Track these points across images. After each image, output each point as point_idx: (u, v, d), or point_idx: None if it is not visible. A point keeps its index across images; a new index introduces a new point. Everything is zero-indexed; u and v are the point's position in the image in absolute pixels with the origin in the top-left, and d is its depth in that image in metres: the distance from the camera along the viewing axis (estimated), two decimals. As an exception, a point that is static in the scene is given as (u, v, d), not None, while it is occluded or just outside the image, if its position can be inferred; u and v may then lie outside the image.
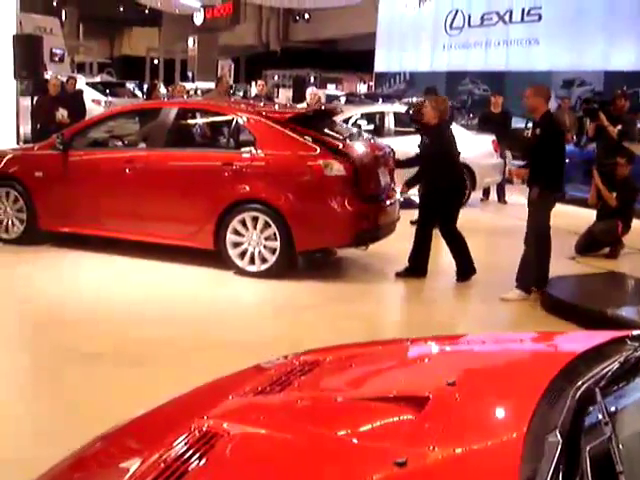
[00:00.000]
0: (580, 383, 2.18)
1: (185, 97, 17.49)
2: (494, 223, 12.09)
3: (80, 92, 16.74)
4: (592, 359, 2.43)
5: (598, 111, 10.32)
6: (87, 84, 21.09)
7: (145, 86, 25.47)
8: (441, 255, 8.41)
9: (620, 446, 1.79)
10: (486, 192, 13.50)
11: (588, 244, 9.41)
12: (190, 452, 2.10)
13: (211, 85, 22.84)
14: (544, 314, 7.06)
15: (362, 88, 34.19)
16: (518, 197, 12.34)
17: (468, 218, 11.91)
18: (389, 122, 11.98)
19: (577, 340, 3.03)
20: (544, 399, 2.12)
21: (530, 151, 7.37)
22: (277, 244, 7.62)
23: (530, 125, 12.01)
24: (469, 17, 27.84)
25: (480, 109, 22.45)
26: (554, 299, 7.23)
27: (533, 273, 7.42)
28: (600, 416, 1.94)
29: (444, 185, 7.79)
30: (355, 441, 2.09)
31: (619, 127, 10.13)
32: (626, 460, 1.73)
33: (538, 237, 7.38)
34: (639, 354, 2.41)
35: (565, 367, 2.36)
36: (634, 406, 2.13)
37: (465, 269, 8.02)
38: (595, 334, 3.20)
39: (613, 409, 2.02)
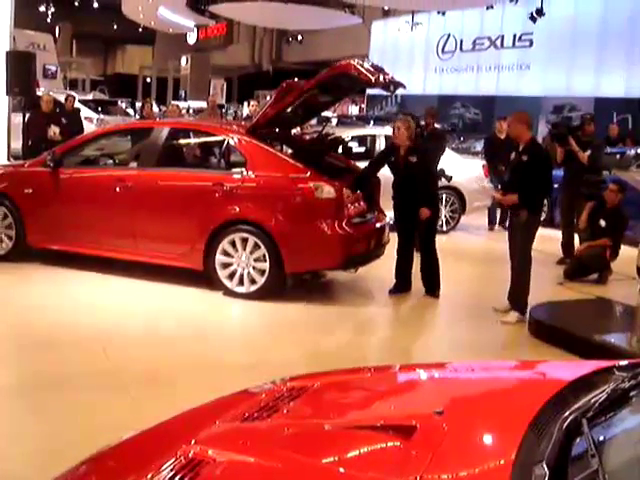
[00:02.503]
0: (567, 414, 2.18)
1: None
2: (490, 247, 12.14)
3: (78, 110, 16.76)
4: (579, 389, 2.43)
5: (567, 136, 10.37)
6: (79, 101, 21.08)
7: (138, 104, 25.48)
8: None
9: (607, 478, 1.79)
10: (491, 220, 13.21)
11: (576, 270, 9.44)
12: (176, 479, 2.09)
13: (204, 104, 22.89)
14: (531, 339, 7.07)
15: (354, 110, 34.30)
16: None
17: (459, 242, 11.99)
18: (380, 145, 12.00)
19: (564, 369, 3.03)
20: (531, 430, 2.12)
21: (517, 176, 7.40)
22: (266, 265, 7.61)
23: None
24: (461, 42, 28.07)
25: (471, 133, 22.65)
26: (541, 324, 7.23)
27: (521, 296, 7.50)
28: (587, 448, 1.94)
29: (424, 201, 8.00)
30: (342, 470, 2.09)
31: (589, 152, 10.17)
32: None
33: (525, 260, 7.47)
34: (626, 385, 2.42)
35: (552, 397, 2.36)
36: (621, 437, 2.13)
37: (435, 285, 8.21)
38: (582, 363, 3.21)
39: (600, 440, 2.02)
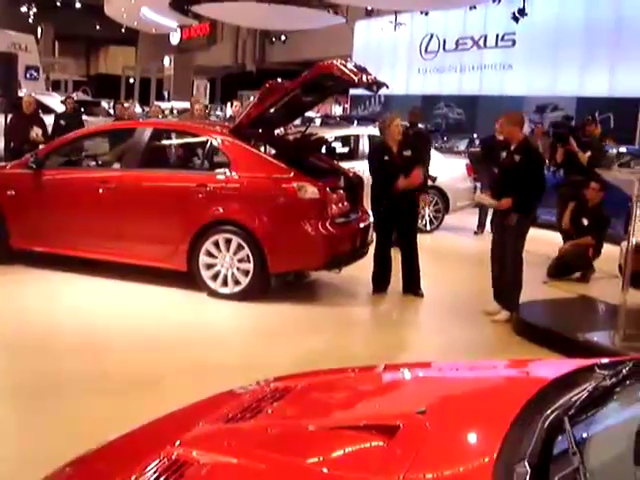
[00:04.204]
0: (549, 412, 2.20)
1: (160, 117, 17.51)
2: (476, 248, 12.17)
3: (79, 111, 16.65)
4: (561, 388, 2.45)
5: (569, 136, 10.42)
6: (62, 102, 20.98)
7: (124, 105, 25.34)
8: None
9: (588, 476, 1.80)
10: (480, 223, 13.02)
11: (560, 268, 9.49)
12: (160, 480, 2.09)
13: (187, 105, 22.82)
14: (516, 338, 7.11)
15: (337, 110, 34.31)
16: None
17: (444, 242, 12.03)
18: (363, 145, 12.02)
19: (546, 368, 3.05)
20: (513, 428, 2.13)
21: (510, 177, 7.41)
22: (250, 266, 7.61)
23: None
24: (444, 42, 28.15)
25: (455, 133, 22.71)
26: (526, 323, 7.28)
27: (515, 296, 7.54)
28: (568, 446, 1.95)
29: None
30: (325, 470, 2.09)
31: (588, 153, 10.22)
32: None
33: (517, 261, 7.50)
34: (607, 383, 2.43)
35: (534, 396, 2.37)
36: (602, 435, 2.14)
37: (416, 283, 8.27)
38: (565, 362, 3.23)
39: (581, 438, 2.03)
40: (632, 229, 6.65)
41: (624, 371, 2.53)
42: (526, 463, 1.88)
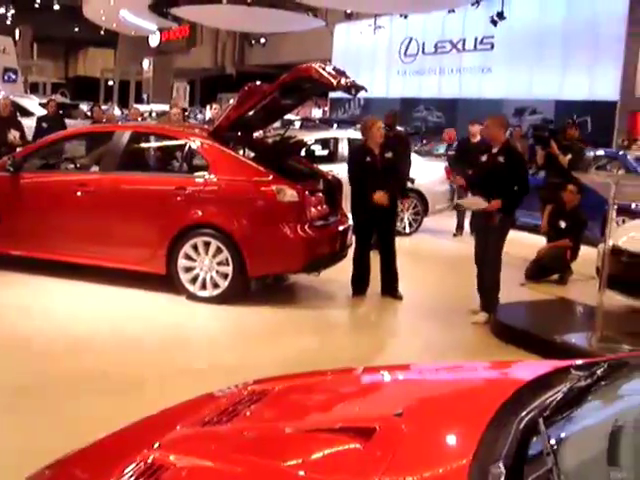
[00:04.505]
0: (524, 413, 2.21)
1: (139, 120, 17.46)
2: (456, 250, 12.21)
3: (61, 114, 16.58)
4: (537, 389, 2.46)
5: (550, 139, 10.48)
6: (40, 105, 20.87)
7: (105, 107, 25.26)
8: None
9: (562, 477, 1.82)
10: (459, 226, 13.03)
11: (537, 270, 9.54)
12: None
13: (166, 108, 22.76)
14: (494, 340, 7.13)
15: (317, 113, 34.34)
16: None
17: (423, 244, 12.07)
18: (343, 148, 12.04)
19: (523, 370, 3.07)
20: (489, 430, 2.14)
21: (495, 179, 7.45)
22: (229, 269, 7.60)
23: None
24: (423, 45, 28.27)
25: (434, 135, 22.76)
26: (503, 325, 7.31)
27: (494, 296, 7.62)
28: (543, 447, 1.97)
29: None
30: (302, 473, 2.09)
31: (569, 156, 10.29)
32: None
33: (497, 261, 7.60)
34: (582, 384, 2.45)
35: (510, 397, 2.39)
36: (577, 436, 2.16)
37: (395, 285, 8.29)
38: (541, 363, 3.25)
39: (556, 439, 2.05)
40: (608, 231, 6.70)
41: (599, 372, 2.56)
42: (501, 464, 1.89)
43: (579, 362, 2.79)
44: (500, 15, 22.54)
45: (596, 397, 2.38)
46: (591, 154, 13.82)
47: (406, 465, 2.03)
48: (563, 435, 2.11)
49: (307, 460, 2.17)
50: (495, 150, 7.54)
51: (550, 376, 2.64)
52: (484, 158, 7.65)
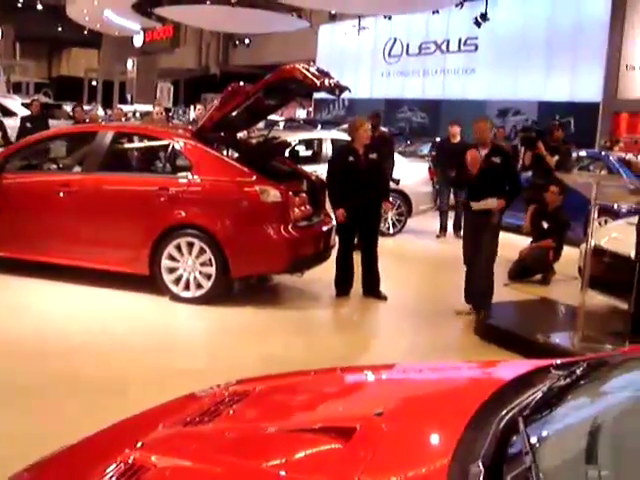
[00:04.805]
0: (504, 413, 2.22)
1: (123, 120, 17.40)
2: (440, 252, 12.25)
3: (45, 114, 16.56)
4: (517, 388, 2.48)
5: (537, 140, 10.54)
6: (23, 105, 20.76)
7: (87, 107, 25.15)
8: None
9: (539, 475, 1.83)
10: (442, 227, 13.05)
11: (520, 271, 9.58)
12: (115, 486, 2.08)
13: (150, 108, 22.71)
14: (477, 340, 7.16)
15: (301, 113, 34.34)
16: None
17: (405, 245, 12.09)
18: (327, 148, 12.05)
19: (504, 369, 3.08)
20: (469, 429, 2.15)
21: (494, 179, 7.59)
22: (212, 270, 7.59)
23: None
24: (407, 46, 28.32)
25: (418, 136, 22.84)
26: (487, 325, 7.34)
27: (490, 293, 7.79)
28: (522, 445, 1.98)
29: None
30: (283, 473, 2.10)
31: (556, 157, 10.34)
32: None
33: (494, 260, 7.80)
34: (562, 383, 2.47)
35: (490, 397, 2.40)
36: (555, 435, 2.17)
37: (377, 286, 8.31)
38: (522, 363, 3.26)
39: (535, 438, 2.06)
40: (591, 232, 6.73)
41: (578, 372, 2.57)
42: (480, 463, 1.90)
43: (559, 361, 2.81)
44: (484, 17, 22.64)
45: (575, 396, 2.39)
46: (574, 155, 13.91)
47: (386, 464, 2.03)
48: (542, 434, 2.12)
49: (288, 460, 2.17)
50: (486, 151, 7.67)
51: (530, 375, 2.65)
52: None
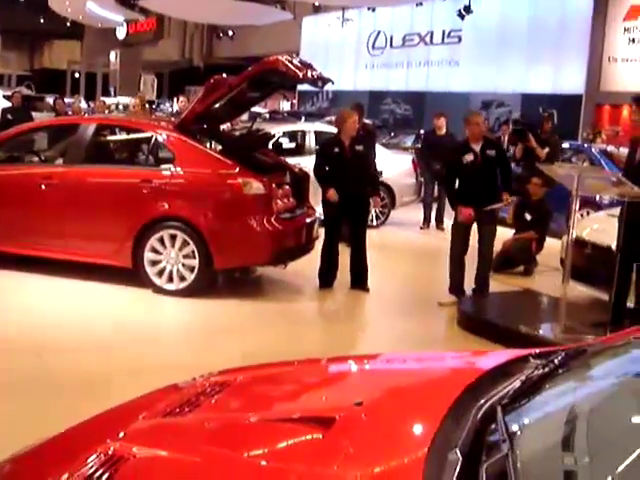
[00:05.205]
0: (483, 401, 2.24)
1: (106, 112, 17.32)
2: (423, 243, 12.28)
3: (26, 106, 16.45)
4: (496, 377, 2.49)
5: (527, 133, 10.58)
6: (4, 97, 20.65)
7: (68, 100, 24.98)
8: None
9: (517, 463, 1.84)
10: (425, 219, 13.09)
11: (503, 262, 9.61)
12: (95, 476, 2.08)
13: (133, 100, 22.60)
14: (460, 331, 7.19)
15: (285, 106, 34.29)
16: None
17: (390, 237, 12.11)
18: (310, 141, 12.05)
19: (485, 359, 3.10)
20: (448, 418, 2.17)
21: (492, 171, 7.79)
22: (196, 262, 7.58)
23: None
24: (391, 38, 28.30)
25: (402, 128, 22.85)
26: (469, 316, 7.38)
27: (487, 283, 8.06)
28: (499, 433, 2.00)
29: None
30: (263, 463, 2.11)
31: (547, 149, 10.38)
32: (522, 476, 1.79)
33: (492, 252, 8.14)
34: (540, 372, 2.49)
35: (469, 386, 2.41)
36: (533, 423, 2.19)
37: (364, 278, 8.32)
38: (502, 352, 3.28)
39: (513, 426, 2.07)
40: (572, 223, 6.77)
41: (557, 361, 2.59)
42: (458, 451, 1.92)
43: (538, 351, 2.83)
44: (467, 8, 22.66)
45: (553, 385, 2.41)
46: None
47: (365, 453, 2.04)
48: (520, 422, 2.14)
49: (268, 450, 2.18)
50: (480, 145, 7.78)
51: (509, 365, 2.67)
52: (470, 157, 7.75)
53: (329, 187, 8.08)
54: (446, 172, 8.25)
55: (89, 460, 2.18)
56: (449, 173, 8.14)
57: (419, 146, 15.16)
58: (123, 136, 9.16)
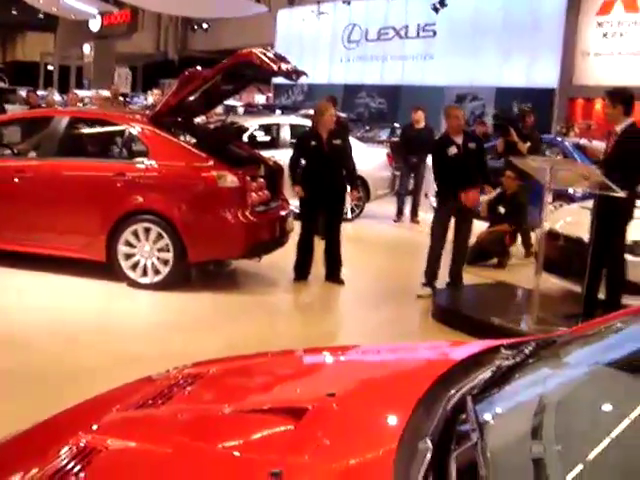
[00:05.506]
0: (454, 391, 2.26)
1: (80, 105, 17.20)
2: (396, 236, 12.32)
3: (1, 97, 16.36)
4: (467, 368, 2.51)
5: (509, 127, 10.64)
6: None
7: (41, 92, 24.76)
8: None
9: (486, 451, 1.86)
10: (399, 212, 13.19)
11: (477, 255, 9.67)
12: (67, 468, 2.08)
13: (107, 93, 22.46)
14: (434, 323, 7.24)
15: (260, 99, 34.20)
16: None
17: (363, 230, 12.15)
18: (285, 134, 12.04)
19: (456, 350, 3.12)
20: (419, 407, 2.18)
21: (471, 165, 7.85)
22: (170, 255, 7.56)
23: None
24: (366, 31, 28.32)
25: (377, 122, 22.88)
26: (443, 308, 7.43)
27: (460, 276, 8.20)
28: (469, 423, 2.02)
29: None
30: (234, 453, 2.11)
31: (528, 144, 10.44)
32: (491, 465, 1.81)
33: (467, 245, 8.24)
34: (510, 362, 2.51)
35: (441, 376, 2.43)
36: (503, 412, 2.22)
37: (338, 271, 8.36)
38: (474, 343, 3.31)
39: (483, 416, 2.10)
40: (544, 216, 6.82)
41: (527, 351, 2.62)
42: (428, 440, 1.93)
43: (509, 341, 2.86)
44: (442, 2, 22.70)
45: (523, 375, 2.44)
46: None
47: (336, 443, 2.06)
48: (490, 411, 2.16)
49: (240, 441, 2.19)
50: (462, 139, 7.89)
51: (480, 355, 2.69)
52: (454, 150, 7.80)
53: (297, 183, 8.14)
54: (435, 166, 8.22)
55: (61, 453, 2.17)
56: (438, 166, 8.14)
57: (395, 139, 15.19)
58: (97, 129, 9.10)
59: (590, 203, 7.15)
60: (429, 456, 1.86)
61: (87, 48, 43.25)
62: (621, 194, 6.19)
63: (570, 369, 2.50)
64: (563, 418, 2.08)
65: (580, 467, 1.80)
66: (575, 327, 3.19)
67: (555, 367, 2.53)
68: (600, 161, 6.86)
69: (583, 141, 13.90)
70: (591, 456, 1.82)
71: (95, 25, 41.38)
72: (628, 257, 6.94)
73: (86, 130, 9.08)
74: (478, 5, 23.76)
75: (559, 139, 14.55)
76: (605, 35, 20.35)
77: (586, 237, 6.91)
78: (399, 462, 1.88)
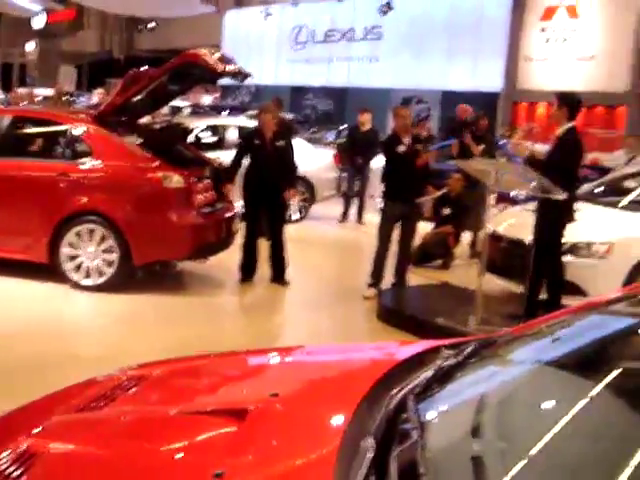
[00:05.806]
0: (396, 391, 2.28)
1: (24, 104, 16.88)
2: (339, 236, 12.36)
3: None
4: (409, 368, 2.54)
5: (462, 130, 10.78)
6: None
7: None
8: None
9: (426, 449, 1.89)
10: (345, 213, 13.25)
11: (421, 256, 9.76)
12: (6, 473, 2.05)
13: (51, 91, 22.14)
14: (379, 324, 7.29)
15: (207, 99, 34.00)
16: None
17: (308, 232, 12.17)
18: (232, 135, 12.01)
19: (399, 350, 3.15)
20: (361, 407, 2.21)
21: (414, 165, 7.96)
22: (114, 257, 7.49)
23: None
24: (313, 33, 28.35)
25: (324, 123, 22.94)
26: (389, 309, 7.48)
27: (404, 277, 8.26)
28: (411, 422, 2.04)
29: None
30: (177, 455, 2.11)
31: (482, 146, 10.57)
32: (431, 463, 1.84)
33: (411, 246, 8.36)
34: (451, 362, 2.55)
35: (383, 375, 2.46)
36: (444, 411, 2.25)
37: (283, 272, 8.38)
38: (417, 344, 3.34)
39: (424, 415, 2.13)
40: (488, 218, 6.92)
41: (467, 351, 2.66)
42: (371, 438, 1.95)
43: (450, 341, 2.90)
44: (388, 5, 22.87)
45: (464, 374, 2.48)
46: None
47: (279, 444, 2.07)
48: (431, 410, 2.19)
49: (184, 443, 2.19)
50: (409, 138, 8.02)
51: (422, 355, 2.72)
52: (403, 148, 7.88)
53: (230, 181, 8.25)
54: (386, 165, 8.27)
55: (1, 457, 2.15)
56: (388, 164, 8.20)
57: (342, 141, 15.25)
58: (40, 128, 8.95)
59: (532, 205, 7.27)
60: (370, 455, 1.88)
61: (31, 45, 42.53)
62: (561, 197, 6.31)
63: (510, 368, 2.55)
64: (503, 416, 2.12)
65: (520, 465, 1.83)
66: (516, 327, 3.24)
67: (496, 366, 2.58)
68: (536, 161, 6.94)
69: (527, 144, 14.08)
70: (531, 454, 1.86)
71: (39, 22, 40.73)
72: (568, 258, 7.07)
73: (29, 129, 8.93)
74: (425, 9, 23.95)
75: (502, 142, 14.73)
76: (548, 40, 20.67)
77: (528, 239, 7.02)
78: (341, 461, 1.90)
